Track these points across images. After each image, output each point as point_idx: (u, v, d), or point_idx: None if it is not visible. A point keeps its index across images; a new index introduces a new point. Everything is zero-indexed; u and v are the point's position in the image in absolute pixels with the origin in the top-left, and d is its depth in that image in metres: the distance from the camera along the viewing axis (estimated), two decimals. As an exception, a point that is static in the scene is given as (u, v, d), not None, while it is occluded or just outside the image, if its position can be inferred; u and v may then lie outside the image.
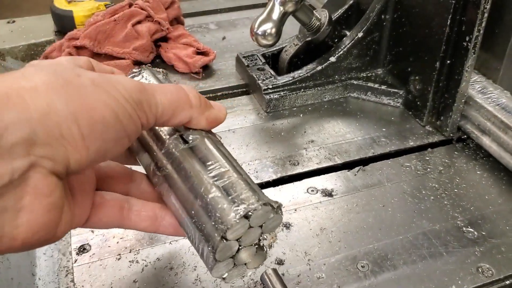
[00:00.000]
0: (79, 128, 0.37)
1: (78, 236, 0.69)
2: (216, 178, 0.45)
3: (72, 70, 0.39)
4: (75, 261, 0.66)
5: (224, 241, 0.43)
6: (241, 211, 0.42)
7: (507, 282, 0.63)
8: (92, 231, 0.69)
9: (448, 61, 0.83)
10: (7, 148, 0.34)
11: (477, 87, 0.83)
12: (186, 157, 0.47)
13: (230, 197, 0.43)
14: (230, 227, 0.42)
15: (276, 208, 0.45)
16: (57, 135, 0.36)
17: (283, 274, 0.62)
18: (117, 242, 0.68)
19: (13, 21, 1.30)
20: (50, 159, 0.36)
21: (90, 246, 0.68)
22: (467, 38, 0.78)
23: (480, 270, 0.64)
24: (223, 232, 0.42)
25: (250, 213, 0.43)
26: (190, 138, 0.48)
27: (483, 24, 0.76)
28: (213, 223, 0.43)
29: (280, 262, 0.65)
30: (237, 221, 0.42)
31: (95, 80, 0.39)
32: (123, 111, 0.40)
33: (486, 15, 0.75)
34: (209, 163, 0.46)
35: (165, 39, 1.12)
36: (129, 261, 0.65)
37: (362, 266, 0.64)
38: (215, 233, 0.43)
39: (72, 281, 0.65)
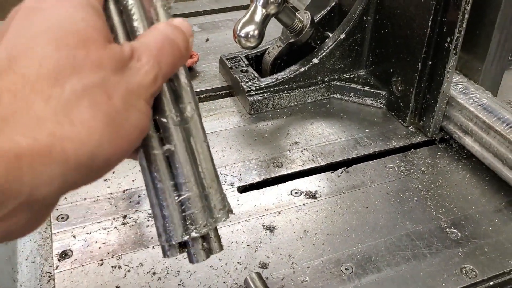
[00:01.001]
0: (111, 168, 0.37)
1: (60, 241, 0.68)
2: (175, 190, 0.46)
3: (103, 84, 0.36)
4: (56, 267, 0.65)
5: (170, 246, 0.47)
6: (190, 233, 0.46)
7: (491, 283, 0.64)
8: (74, 236, 0.68)
9: (430, 62, 0.83)
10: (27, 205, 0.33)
11: (459, 88, 0.83)
12: (159, 156, 0.47)
13: (183, 214, 0.46)
14: (176, 241, 0.46)
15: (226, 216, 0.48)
16: (86, 180, 0.36)
17: (266, 278, 0.62)
18: (99, 247, 0.67)
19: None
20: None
21: (71, 251, 0.67)
22: (448, 39, 0.78)
23: (464, 271, 0.64)
24: (168, 242, 0.46)
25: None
26: (165, 141, 0.47)
27: (464, 25, 0.77)
28: (163, 227, 0.46)
29: (264, 266, 0.64)
30: (183, 239, 0.45)
31: (125, 98, 0.37)
32: (146, 123, 0.39)
33: (466, 16, 0.76)
34: (176, 169, 0.46)
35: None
36: (112, 267, 0.64)
37: (346, 269, 0.64)
38: (163, 237, 0.46)
39: (55, 287, 0.64)
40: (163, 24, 0.44)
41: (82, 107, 0.34)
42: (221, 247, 0.50)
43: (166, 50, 0.41)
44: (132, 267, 0.64)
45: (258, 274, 0.60)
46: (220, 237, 0.49)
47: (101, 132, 0.34)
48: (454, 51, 0.79)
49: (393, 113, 0.94)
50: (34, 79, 0.33)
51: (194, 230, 0.46)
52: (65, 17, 0.36)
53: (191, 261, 0.49)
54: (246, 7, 0.94)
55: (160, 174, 0.46)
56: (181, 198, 0.46)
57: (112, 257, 0.66)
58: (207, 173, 0.48)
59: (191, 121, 0.47)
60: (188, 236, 0.46)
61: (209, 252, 0.49)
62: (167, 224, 0.46)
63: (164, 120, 0.45)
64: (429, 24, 0.80)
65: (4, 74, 0.33)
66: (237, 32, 0.89)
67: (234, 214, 0.50)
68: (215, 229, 0.49)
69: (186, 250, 0.48)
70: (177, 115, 0.45)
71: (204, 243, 0.49)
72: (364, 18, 0.94)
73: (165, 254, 0.48)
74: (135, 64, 0.38)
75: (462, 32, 0.77)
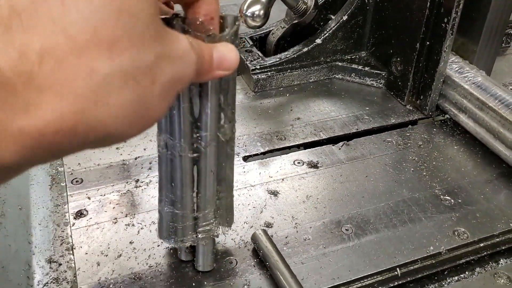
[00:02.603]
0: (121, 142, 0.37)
1: (75, 202, 0.72)
2: (171, 203, 0.53)
3: (153, 65, 0.33)
4: (73, 225, 0.69)
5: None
6: (169, 240, 0.56)
7: (481, 244, 0.68)
8: (89, 198, 0.72)
9: (428, 43, 0.87)
10: None
11: (454, 67, 0.88)
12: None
13: (170, 223, 0.55)
14: (159, 238, 0.57)
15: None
16: (95, 148, 0.36)
17: (272, 236, 0.66)
18: (113, 208, 0.71)
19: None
20: None
21: (87, 211, 0.71)
22: (445, 20, 0.82)
23: (456, 233, 0.68)
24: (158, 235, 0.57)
25: None
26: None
27: (461, 6, 0.81)
28: (158, 221, 0.56)
29: (269, 225, 0.68)
30: (163, 241, 0.58)
31: (165, 86, 0.35)
32: (164, 113, 0.38)
33: (463, -3, 0.80)
34: (175, 187, 0.53)
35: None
36: (125, 225, 0.68)
37: (346, 229, 0.68)
38: (157, 227, 0.56)
39: (67, 249, 0.67)
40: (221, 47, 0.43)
41: (123, 90, 0.32)
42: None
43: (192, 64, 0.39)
44: (145, 225, 0.68)
45: (265, 231, 0.64)
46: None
47: (129, 118, 0.33)
48: (451, 32, 0.83)
49: (392, 93, 0.98)
50: (83, 45, 0.29)
51: (172, 240, 0.54)
52: None
53: (179, 256, 0.59)
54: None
55: (161, 185, 0.53)
56: (172, 211, 0.53)
57: (126, 216, 0.70)
58: (202, 200, 0.53)
59: (204, 151, 0.50)
60: (166, 241, 0.55)
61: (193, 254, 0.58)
62: (159, 222, 0.56)
63: (173, 152, 0.50)
64: (427, 5, 0.84)
65: (52, 26, 0.29)
66: (244, 12, 0.92)
67: (221, 234, 0.60)
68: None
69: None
70: (188, 150, 0.49)
71: (189, 248, 0.58)
72: (366, 0, 0.97)
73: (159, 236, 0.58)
74: (189, 54, 0.37)
75: (459, 13, 0.81)
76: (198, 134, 0.48)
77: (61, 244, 0.71)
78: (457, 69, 0.87)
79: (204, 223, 0.54)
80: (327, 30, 0.99)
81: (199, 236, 0.54)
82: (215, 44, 0.42)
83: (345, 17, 0.98)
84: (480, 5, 0.87)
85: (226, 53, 0.42)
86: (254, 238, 0.64)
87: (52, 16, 0.29)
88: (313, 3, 1.00)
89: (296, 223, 0.69)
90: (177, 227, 0.54)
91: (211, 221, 0.54)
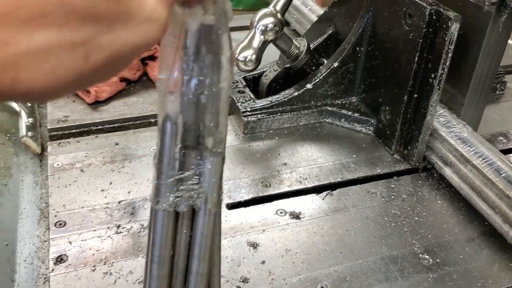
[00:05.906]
0: None
1: (57, 246, 0.73)
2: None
3: (85, 41, 0.30)
4: (52, 271, 0.69)
5: None
6: None
7: (456, 307, 0.68)
8: (70, 242, 0.73)
9: (416, 95, 0.88)
10: None
11: (442, 121, 0.88)
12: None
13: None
14: None
15: None
16: None
17: (246, 292, 0.67)
18: (93, 254, 0.72)
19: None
20: None
21: (67, 256, 0.71)
22: (433, 75, 0.83)
23: (431, 295, 0.69)
24: None
25: None
26: None
27: (447, 63, 0.81)
28: None
29: (245, 280, 0.69)
30: None
31: (105, 62, 0.31)
32: None
33: (450, 55, 0.80)
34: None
35: (152, 57, 1.16)
36: (103, 273, 0.69)
37: (321, 287, 0.69)
38: None
39: (49, 288, 0.68)
40: None
41: (42, 66, 0.28)
42: None
43: None
44: (122, 275, 0.69)
45: (238, 288, 0.65)
46: None
47: (53, 89, 0.29)
48: (438, 87, 0.83)
49: (380, 140, 0.98)
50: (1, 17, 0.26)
51: None
52: None
53: None
54: (248, 28, 0.98)
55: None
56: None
57: (104, 264, 0.70)
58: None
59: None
60: None
61: None
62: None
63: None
64: (416, 59, 0.84)
65: None
66: (236, 56, 0.94)
67: None
68: None
69: None
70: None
71: None
72: (357, 48, 0.98)
73: None
74: None
75: (446, 70, 0.82)
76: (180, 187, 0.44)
77: (44, 283, 0.72)
78: (444, 122, 0.88)
79: None
80: (318, 75, 1.00)
81: None
82: None
83: (336, 64, 0.99)
84: (467, 59, 0.88)
85: None
86: (227, 295, 0.64)
87: None
88: (305, 49, 1.01)
89: (272, 279, 0.69)
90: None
91: None
